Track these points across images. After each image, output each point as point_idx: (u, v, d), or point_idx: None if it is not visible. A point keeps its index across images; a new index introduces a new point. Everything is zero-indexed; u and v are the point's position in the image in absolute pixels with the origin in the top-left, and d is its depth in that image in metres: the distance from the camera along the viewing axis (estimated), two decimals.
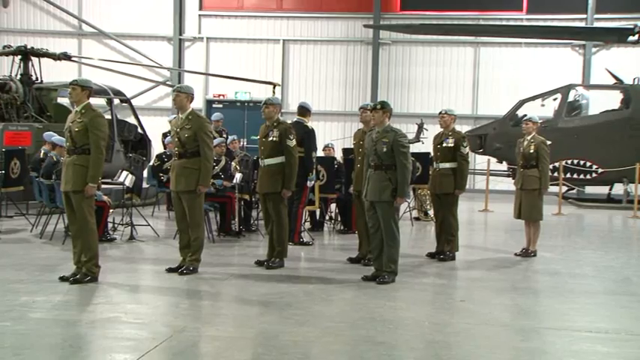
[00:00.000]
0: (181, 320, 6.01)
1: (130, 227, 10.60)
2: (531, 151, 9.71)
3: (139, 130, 16.32)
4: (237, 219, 11.08)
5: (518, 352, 5.39)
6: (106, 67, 17.62)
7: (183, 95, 7.90)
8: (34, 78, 15.83)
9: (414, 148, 17.00)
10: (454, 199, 9.49)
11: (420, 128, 19.13)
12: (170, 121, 8.76)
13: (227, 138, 12.99)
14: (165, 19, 23.94)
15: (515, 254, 9.88)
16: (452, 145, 9.31)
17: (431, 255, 9.45)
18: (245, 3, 24.05)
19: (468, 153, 9.44)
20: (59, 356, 5.04)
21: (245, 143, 20.14)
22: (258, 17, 23.94)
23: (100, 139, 7.27)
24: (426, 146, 16.07)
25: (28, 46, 15.96)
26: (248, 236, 11.11)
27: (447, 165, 9.34)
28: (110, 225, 10.63)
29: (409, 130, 20.31)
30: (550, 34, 20.88)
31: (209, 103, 23.84)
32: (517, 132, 18.65)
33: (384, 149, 7.68)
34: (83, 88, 7.38)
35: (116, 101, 16.21)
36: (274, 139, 8.45)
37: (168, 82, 22.99)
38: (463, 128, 19.91)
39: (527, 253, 9.83)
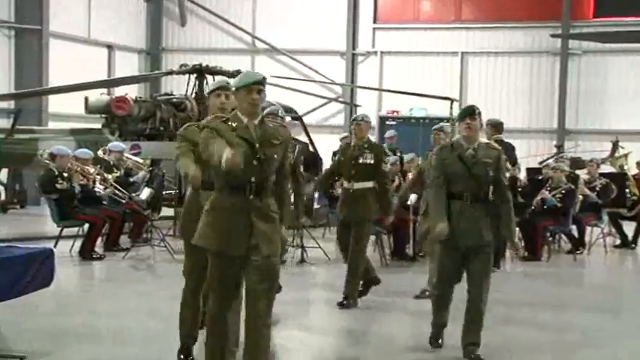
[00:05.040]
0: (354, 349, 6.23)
1: (300, 249, 10.40)
2: None
3: (310, 148, 15.88)
4: (411, 242, 10.72)
5: None
6: (278, 83, 17.36)
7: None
8: None
9: (606, 168, 15.41)
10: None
11: (615, 146, 17.49)
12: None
13: (401, 157, 12.65)
14: (338, 33, 23.49)
15: None
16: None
17: None
18: (421, 14, 23.15)
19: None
20: None
21: (420, 161, 19.16)
22: (435, 29, 22.96)
23: None
24: None
25: (203, 64, 15.98)
26: (423, 261, 10.33)
27: None
28: None
29: (603, 148, 18.41)
30: None
31: (382, 119, 23.04)
32: None
33: (490, 172, 5.61)
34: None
35: (287, 119, 15.78)
36: None
37: (340, 99, 22.55)
38: None
39: None
